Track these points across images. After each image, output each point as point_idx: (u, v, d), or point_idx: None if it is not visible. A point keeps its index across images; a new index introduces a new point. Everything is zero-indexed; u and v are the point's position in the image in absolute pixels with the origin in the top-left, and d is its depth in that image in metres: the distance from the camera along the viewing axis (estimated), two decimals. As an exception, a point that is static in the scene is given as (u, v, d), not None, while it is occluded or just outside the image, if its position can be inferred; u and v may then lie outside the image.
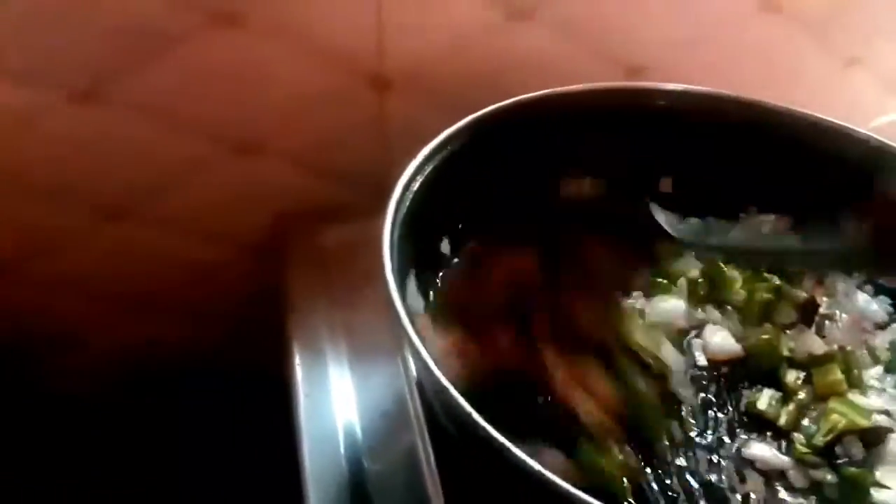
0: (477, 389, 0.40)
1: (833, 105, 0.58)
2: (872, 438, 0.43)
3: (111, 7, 0.52)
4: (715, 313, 0.49)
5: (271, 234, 0.63)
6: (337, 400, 0.50)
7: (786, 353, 0.47)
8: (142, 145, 0.58)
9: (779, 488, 0.42)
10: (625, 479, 0.40)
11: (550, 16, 0.59)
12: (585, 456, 0.41)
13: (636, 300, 0.49)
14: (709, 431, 0.44)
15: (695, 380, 0.46)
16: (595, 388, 0.43)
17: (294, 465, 0.46)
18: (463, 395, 0.35)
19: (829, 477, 0.42)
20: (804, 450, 0.43)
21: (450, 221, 0.51)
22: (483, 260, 0.51)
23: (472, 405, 0.35)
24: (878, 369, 0.47)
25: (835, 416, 0.43)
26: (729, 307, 0.49)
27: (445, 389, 0.36)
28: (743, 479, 0.42)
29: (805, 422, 0.44)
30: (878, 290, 0.52)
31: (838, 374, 0.45)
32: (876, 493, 0.41)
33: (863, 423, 0.43)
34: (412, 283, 0.47)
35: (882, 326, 0.51)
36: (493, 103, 0.50)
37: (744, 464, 0.43)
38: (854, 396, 0.45)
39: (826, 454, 0.43)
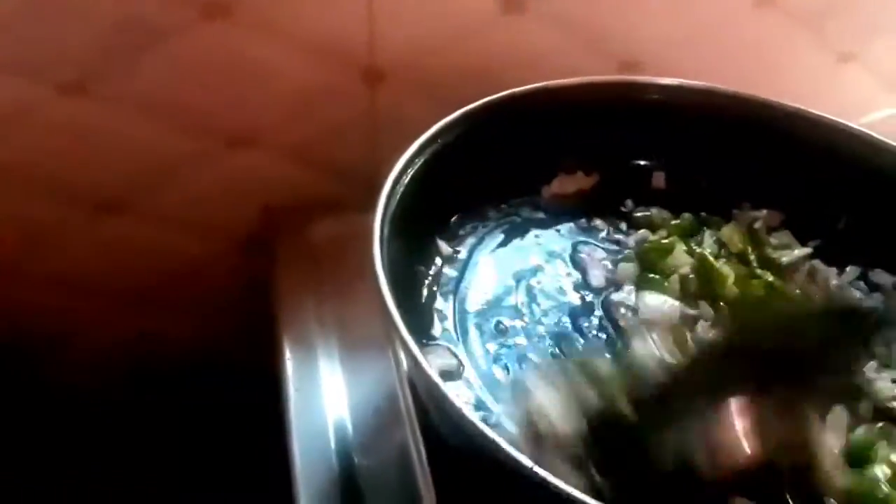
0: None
1: (826, 100, 0.58)
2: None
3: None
4: (708, 309, 0.49)
5: (261, 228, 0.62)
6: (327, 395, 0.49)
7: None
8: (132, 138, 0.57)
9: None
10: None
11: (545, 9, 0.58)
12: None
13: (628, 294, 0.49)
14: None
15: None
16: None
17: (284, 461, 0.46)
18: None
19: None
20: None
21: (442, 215, 0.51)
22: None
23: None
24: (872, 364, 0.47)
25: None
26: (721, 303, 0.49)
27: (435, 386, 0.36)
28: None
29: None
30: (871, 287, 0.52)
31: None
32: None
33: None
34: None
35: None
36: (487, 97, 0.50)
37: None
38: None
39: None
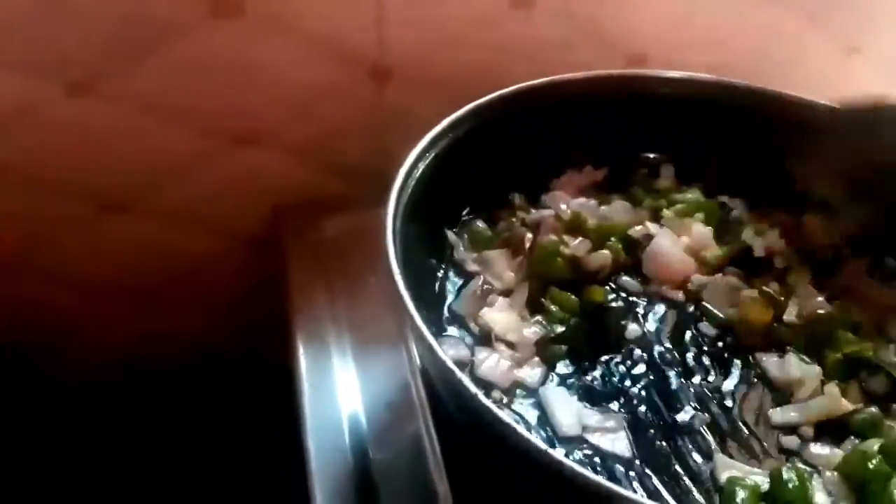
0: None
1: (835, 92, 0.57)
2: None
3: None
4: None
5: (271, 226, 0.63)
6: (341, 390, 0.50)
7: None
8: (138, 138, 0.58)
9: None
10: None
11: (553, 4, 0.59)
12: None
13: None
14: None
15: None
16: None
17: (299, 457, 0.46)
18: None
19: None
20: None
21: (453, 208, 0.51)
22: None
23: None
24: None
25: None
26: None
27: (450, 371, 0.36)
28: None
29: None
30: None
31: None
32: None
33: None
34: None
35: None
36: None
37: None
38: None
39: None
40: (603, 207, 0.52)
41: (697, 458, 0.40)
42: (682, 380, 0.44)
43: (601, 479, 0.33)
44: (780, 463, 0.40)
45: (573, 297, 0.46)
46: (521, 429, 0.33)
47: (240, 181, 0.61)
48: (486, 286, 0.47)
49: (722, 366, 0.45)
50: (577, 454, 0.39)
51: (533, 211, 0.52)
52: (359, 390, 0.50)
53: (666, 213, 0.51)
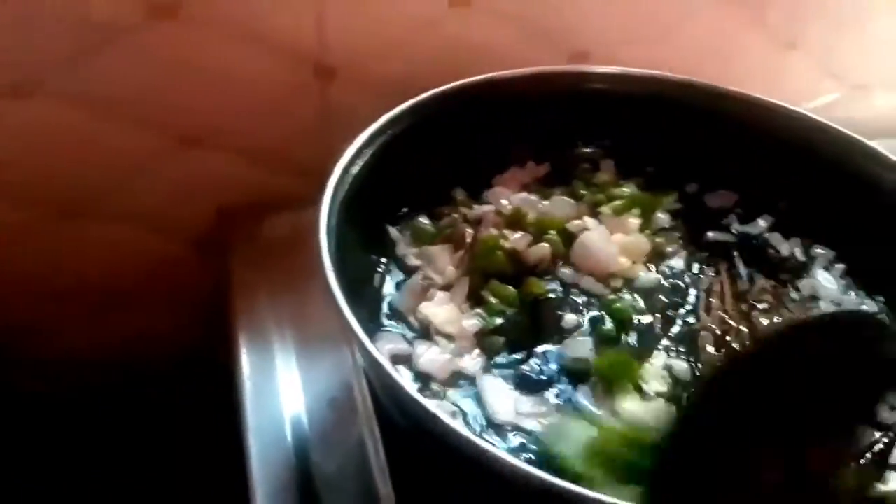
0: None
1: (772, 87, 0.59)
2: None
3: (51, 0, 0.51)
4: None
5: (216, 226, 0.62)
6: (284, 390, 0.49)
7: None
8: (84, 141, 0.57)
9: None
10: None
11: (493, 2, 0.59)
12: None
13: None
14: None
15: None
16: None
17: (240, 456, 0.46)
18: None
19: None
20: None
21: (393, 206, 0.51)
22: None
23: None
24: None
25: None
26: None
27: (380, 366, 0.36)
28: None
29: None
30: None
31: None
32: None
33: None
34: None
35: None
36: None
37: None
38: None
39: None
40: (544, 202, 0.52)
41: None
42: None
43: (541, 472, 0.33)
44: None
45: (512, 289, 0.46)
46: (444, 415, 0.33)
47: (185, 182, 0.61)
48: (426, 281, 0.47)
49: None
50: (512, 440, 0.39)
51: (475, 207, 0.52)
52: (301, 390, 0.49)
53: (603, 209, 0.51)
